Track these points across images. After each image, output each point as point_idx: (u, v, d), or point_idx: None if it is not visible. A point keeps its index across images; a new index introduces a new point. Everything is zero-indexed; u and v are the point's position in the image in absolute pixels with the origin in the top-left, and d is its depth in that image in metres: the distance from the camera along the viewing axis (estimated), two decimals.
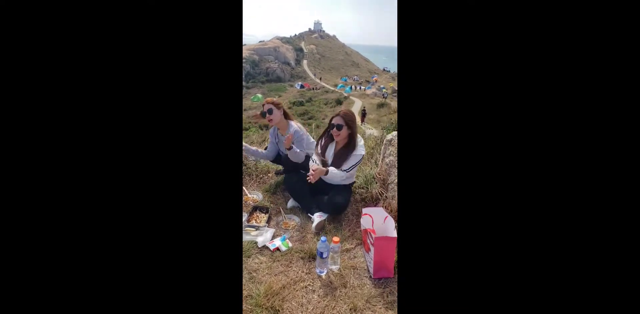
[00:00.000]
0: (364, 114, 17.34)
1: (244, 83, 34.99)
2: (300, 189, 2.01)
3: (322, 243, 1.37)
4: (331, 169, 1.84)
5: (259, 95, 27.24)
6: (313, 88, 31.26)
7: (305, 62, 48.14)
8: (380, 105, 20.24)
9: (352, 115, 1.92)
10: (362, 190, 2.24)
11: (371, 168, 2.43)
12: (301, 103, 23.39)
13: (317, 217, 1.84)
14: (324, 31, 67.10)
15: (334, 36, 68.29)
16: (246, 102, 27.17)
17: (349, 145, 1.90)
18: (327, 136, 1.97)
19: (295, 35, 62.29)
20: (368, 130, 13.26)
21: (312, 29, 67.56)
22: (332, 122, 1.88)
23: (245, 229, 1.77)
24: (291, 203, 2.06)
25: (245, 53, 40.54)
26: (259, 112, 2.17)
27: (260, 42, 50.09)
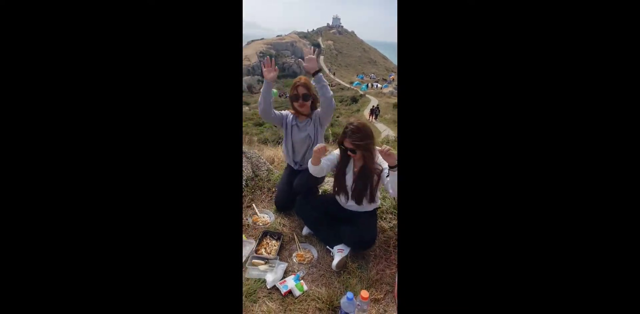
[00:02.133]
0: (374, 111, 17.01)
1: (259, 77, 35.01)
2: (315, 217, 1.70)
3: (347, 302, 1.08)
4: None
5: (274, 90, 27.01)
6: (329, 85, 30.82)
7: (322, 58, 47.72)
8: (397, 105, 19.66)
9: (362, 129, 1.47)
10: (390, 216, 1.92)
11: None
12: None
13: (338, 252, 1.54)
14: (342, 27, 66.32)
15: (353, 32, 67.42)
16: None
17: (366, 164, 1.52)
18: (342, 156, 1.60)
19: (313, 30, 61.82)
20: (384, 131, 12.85)
21: (331, 24, 66.88)
22: (344, 143, 1.49)
23: (253, 262, 1.48)
24: (307, 229, 1.76)
25: (262, 47, 40.54)
26: (286, 94, 1.88)
27: (277, 36, 49.89)
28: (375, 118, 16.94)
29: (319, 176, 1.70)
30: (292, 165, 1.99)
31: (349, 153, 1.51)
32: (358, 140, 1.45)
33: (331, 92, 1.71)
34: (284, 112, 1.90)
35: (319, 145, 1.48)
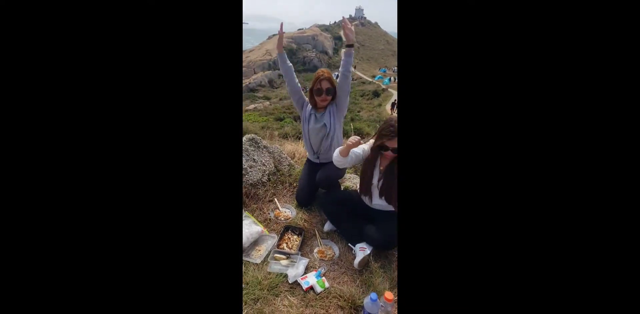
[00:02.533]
0: (395, 105, 16.96)
1: (279, 72, 35.14)
2: (338, 212, 1.68)
3: (371, 303, 1.05)
4: None
5: None
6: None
7: (343, 51, 46.95)
8: None
9: None
10: None
11: None
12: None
13: (360, 251, 1.51)
14: (365, 18, 64.89)
15: (376, 23, 65.82)
16: (282, 92, 27.35)
17: (393, 167, 1.49)
18: (372, 158, 1.54)
19: (335, 22, 60.91)
20: None
21: (353, 15, 65.60)
22: (386, 144, 1.42)
23: (275, 256, 1.49)
24: (328, 226, 1.74)
25: (283, 41, 40.40)
26: (306, 88, 1.87)
27: (299, 30, 49.66)
28: (392, 110, 16.78)
29: (341, 168, 1.67)
30: (311, 157, 1.98)
31: (386, 152, 1.46)
32: None
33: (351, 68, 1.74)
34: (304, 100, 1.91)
35: (354, 138, 1.45)
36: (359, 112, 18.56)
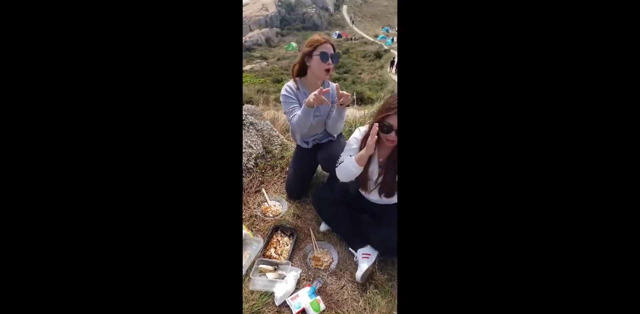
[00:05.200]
0: (394, 63, 16.36)
1: (278, 30, 32.74)
2: (335, 213, 1.37)
3: None
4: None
5: (294, 44, 25.40)
6: (351, 39, 28.46)
7: (345, 7, 43.50)
8: None
9: None
10: None
11: None
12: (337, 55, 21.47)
13: (363, 258, 1.24)
14: None
15: None
16: (280, 51, 25.74)
17: (393, 158, 1.17)
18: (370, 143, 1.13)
19: None
20: None
21: None
22: (388, 121, 1.07)
23: (260, 268, 1.22)
24: (325, 225, 1.46)
25: None
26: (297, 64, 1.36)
27: None
28: (392, 68, 16.12)
29: (348, 180, 1.29)
30: (302, 144, 1.58)
31: (389, 137, 1.10)
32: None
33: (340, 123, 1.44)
34: (287, 88, 1.41)
35: (373, 132, 1.06)
36: (360, 74, 17.54)
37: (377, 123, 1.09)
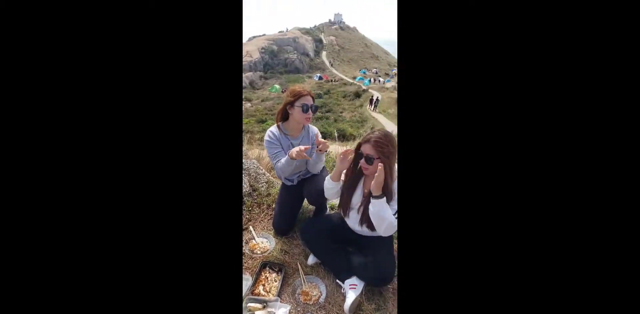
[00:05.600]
0: (373, 101, 17.91)
1: (262, 74, 34.63)
2: (322, 245, 1.43)
3: None
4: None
5: (277, 86, 26.77)
6: (331, 80, 30.41)
7: (324, 53, 47.15)
8: None
9: (389, 139, 1.18)
10: None
11: None
12: (319, 96, 22.71)
13: (350, 289, 1.28)
14: (344, 23, 65.49)
15: (355, 28, 66.56)
16: (263, 93, 26.92)
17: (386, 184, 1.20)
18: (353, 168, 1.30)
19: (315, 26, 61.05)
20: (390, 128, 12.55)
21: (332, 20, 66.01)
22: (360, 149, 1.21)
23: (249, 307, 1.23)
24: (313, 258, 1.50)
25: (264, 43, 40.08)
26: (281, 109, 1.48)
27: (279, 32, 49.32)
28: (374, 108, 17.16)
29: (333, 197, 1.40)
30: (287, 182, 1.69)
31: (362, 164, 1.22)
32: (382, 149, 1.15)
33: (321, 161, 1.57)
34: (270, 133, 1.55)
35: (344, 153, 1.22)
36: (341, 113, 18.45)
37: (354, 150, 1.25)
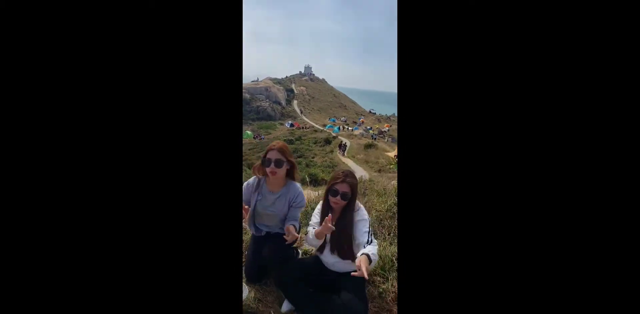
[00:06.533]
0: (341, 146, 19.18)
1: None
2: (297, 290, 1.46)
3: None
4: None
5: (249, 132, 27.28)
6: (303, 127, 31.75)
7: (295, 102, 49.84)
8: (368, 146, 20.38)
9: (355, 178, 1.48)
10: (379, 279, 1.72)
11: (387, 244, 1.93)
12: (291, 142, 23.41)
13: None
14: (313, 74, 71.16)
15: (323, 79, 72.32)
16: None
17: (346, 212, 1.44)
18: (324, 207, 1.49)
19: (287, 77, 65.50)
20: (359, 172, 13.00)
21: (303, 72, 71.58)
22: (335, 187, 1.40)
23: None
24: (287, 305, 1.50)
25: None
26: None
27: (252, 81, 52.11)
28: (344, 153, 18.05)
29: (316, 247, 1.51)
30: (254, 231, 1.72)
31: (337, 201, 1.40)
32: (353, 185, 1.41)
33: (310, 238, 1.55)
34: (250, 180, 1.65)
35: (328, 224, 1.30)
36: (313, 158, 18.97)
37: (326, 190, 1.41)
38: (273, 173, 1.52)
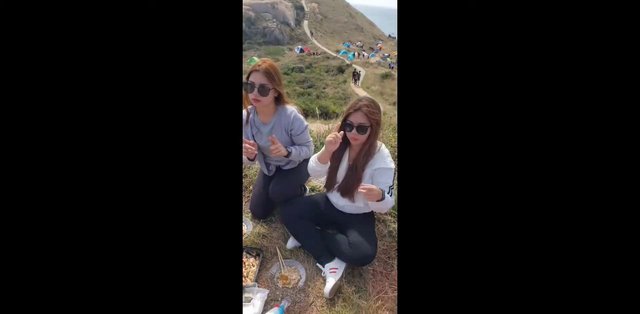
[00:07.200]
0: (355, 75, 17.65)
1: None
2: (303, 228, 1.39)
3: None
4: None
5: (256, 58, 25.50)
6: (314, 53, 29.29)
7: (305, 22, 44.84)
8: (385, 76, 18.88)
9: (377, 105, 1.20)
10: (389, 218, 1.66)
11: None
12: (300, 70, 21.89)
13: (330, 273, 1.27)
14: None
15: None
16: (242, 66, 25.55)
17: (369, 153, 1.23)
18: (339, 148, 1.25)
19: None
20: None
21: None
22: (349, 119, 1.17)
23: None
24: (292, 242, 1.47)
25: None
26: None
27: None
28: (356, 82, 16.94)
29: (319, 177, 1.36)
30: (266, 171, 1.57)
31: (353, 135, 1.18)
32: (374, 116, 1.16)
33: (305, 154, 1.40)
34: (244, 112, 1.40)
35: (332, 135, 1.13)
36: (324, 88, 17.98)
37: (339, 123, 1.20)
38: (256, 101, 1.25)
